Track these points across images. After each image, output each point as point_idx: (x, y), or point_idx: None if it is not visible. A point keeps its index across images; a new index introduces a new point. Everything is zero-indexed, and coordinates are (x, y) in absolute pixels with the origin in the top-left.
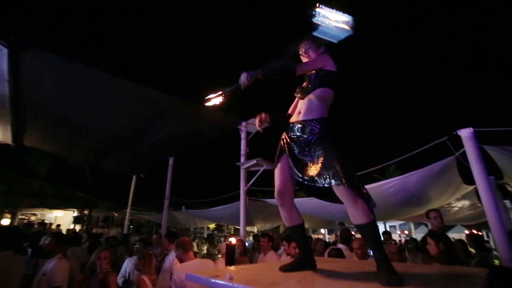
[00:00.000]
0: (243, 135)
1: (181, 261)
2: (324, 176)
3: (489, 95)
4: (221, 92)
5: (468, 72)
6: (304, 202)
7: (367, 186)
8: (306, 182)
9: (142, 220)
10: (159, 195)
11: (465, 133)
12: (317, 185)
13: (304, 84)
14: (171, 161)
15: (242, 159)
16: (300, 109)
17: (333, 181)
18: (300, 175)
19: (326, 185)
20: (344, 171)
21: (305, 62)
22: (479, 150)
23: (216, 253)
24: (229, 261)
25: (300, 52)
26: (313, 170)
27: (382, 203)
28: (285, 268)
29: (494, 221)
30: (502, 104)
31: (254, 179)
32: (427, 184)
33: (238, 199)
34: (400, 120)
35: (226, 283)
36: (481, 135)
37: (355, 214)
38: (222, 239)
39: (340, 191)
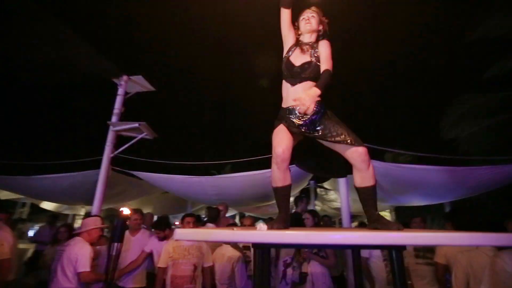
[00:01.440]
0: (120, 91)
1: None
2: (340, 137)
3: None
4: None
5: None
6: (180, 182)
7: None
8: (321, 140)
9: None
10: None
11: None
12: (336, 139)
13: (297, 63)
14: None
15: (114, 118)
16: (294, 95)
17: (355, 143)
18: (313, 134)
19: (348, 142)
20: (357, 137)
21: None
22: None
23: None
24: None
25: (304, 17)
26: (325, 135)
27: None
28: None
29: None
30: None
31: (127, 146)
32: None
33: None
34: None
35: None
36: None
37: (366, 176)
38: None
39: (359, 153)
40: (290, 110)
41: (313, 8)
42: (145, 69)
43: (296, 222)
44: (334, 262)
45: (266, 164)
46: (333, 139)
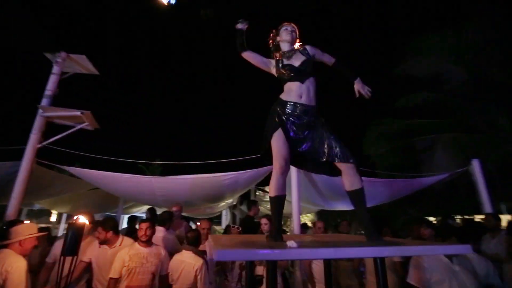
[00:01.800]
0: (55, 69)
1: None
2: (332, 153)
3: None
4: None
5: None
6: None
7: None
8: (310, 156)
9: None
10: None
11: None
12: (324, 159)
13: (296, 64)
14: None
15: (45, 101)
16: (301, 92)
17: (346, 159)
18: (305, 149)
19: (337, 161)
20: (349, 151)
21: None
22: None
23: None
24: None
25: (287, 28)
26: (318, 147)
27: (217, 191)
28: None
29: None
30: None
31: (62, 135)
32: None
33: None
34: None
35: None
36: None
37: (355, 180)
38: None
39: (350, 167)
40: (291, 106)
41: (293, 25)
42: (92, 51)
43: (250, 226)
44: (287, 263)
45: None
46: (322, 148)
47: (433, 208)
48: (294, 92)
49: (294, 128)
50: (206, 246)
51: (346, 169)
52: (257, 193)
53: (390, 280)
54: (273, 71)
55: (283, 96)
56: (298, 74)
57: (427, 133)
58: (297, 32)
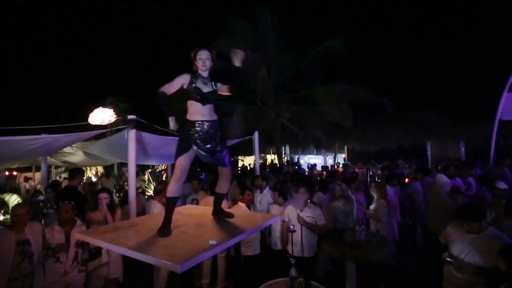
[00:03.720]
0: None
1: None
2: (221, 158)
3: None
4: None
5: None
6: None
7: None
8: (207, 160)
9: None
10: None
11: None
12: (215, 161)
13: (205, 90)
14: None
15: None
16: (203, 112)
17: (227, 164)
18: (206, 157)
19: (221, 165)
20: (231, 158)
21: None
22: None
23: None
24: None
25: (201, 57)
26: (214, 153)
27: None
28: (163, 234)
29: None
30: None
31: None
32: None
33: None
34: None
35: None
36: None
37: (226, 186)
38: None
39: (227, 171)
40: (199, 124)
41: (207, 50)
42: None
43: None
44: None
45: None
46: (218, 157)
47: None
48: (198, 112)
49: (200, 141)
50: (27, 232)
51: (227, 175)
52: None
53: None
54: (184, 85)
55: (189, 117)
56: (203, 98)
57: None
58: (211, 58)
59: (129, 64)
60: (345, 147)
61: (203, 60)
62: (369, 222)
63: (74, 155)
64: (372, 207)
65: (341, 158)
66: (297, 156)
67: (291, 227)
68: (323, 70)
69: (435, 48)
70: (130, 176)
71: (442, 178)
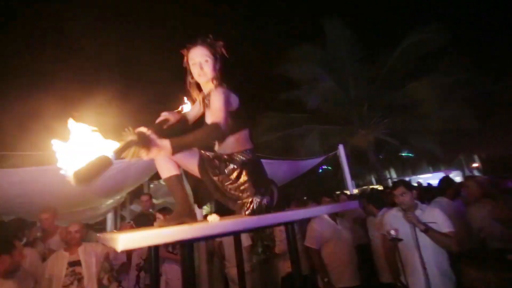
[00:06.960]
0: None
1: None
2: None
3: None
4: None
5: None
6: None
7: None
8: None
9: None
10: None
11: None
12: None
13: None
14: None
15: None
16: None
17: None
18: None
19: None
20: None
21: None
22: None
23: None
24: None
25: (194, 62)
26: None
27: None
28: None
29: None
30: None
31: None
32: None
33: None
34: None
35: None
36: None
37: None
38: None
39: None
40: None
41: (203, 45)
42: None
43: (143, 221)
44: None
45: None
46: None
47: (305, 190)
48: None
49: None
50: (80, 253)
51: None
52: (151, 186)
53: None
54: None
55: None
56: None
57: (300, 125)
58: (212, 55)
59: None
60: (475, 156)
61: (199, 66)
62: None
63: None
64: None
65: (475, 171)
66: (408, 179)
67: (392, 232)
68: (416, 64)
69: None
70: None
71: None
